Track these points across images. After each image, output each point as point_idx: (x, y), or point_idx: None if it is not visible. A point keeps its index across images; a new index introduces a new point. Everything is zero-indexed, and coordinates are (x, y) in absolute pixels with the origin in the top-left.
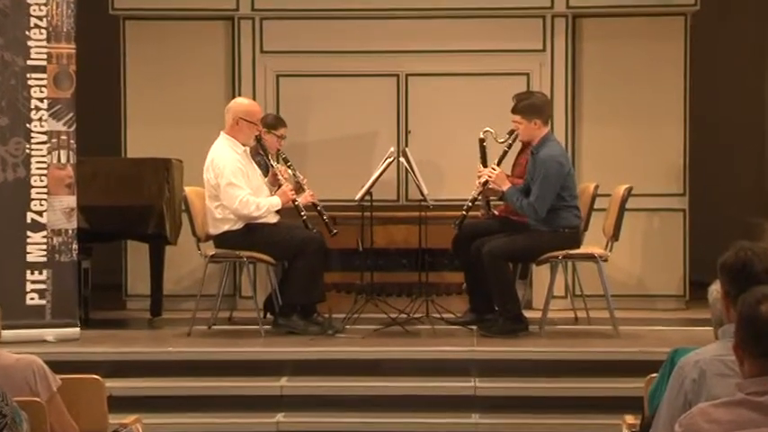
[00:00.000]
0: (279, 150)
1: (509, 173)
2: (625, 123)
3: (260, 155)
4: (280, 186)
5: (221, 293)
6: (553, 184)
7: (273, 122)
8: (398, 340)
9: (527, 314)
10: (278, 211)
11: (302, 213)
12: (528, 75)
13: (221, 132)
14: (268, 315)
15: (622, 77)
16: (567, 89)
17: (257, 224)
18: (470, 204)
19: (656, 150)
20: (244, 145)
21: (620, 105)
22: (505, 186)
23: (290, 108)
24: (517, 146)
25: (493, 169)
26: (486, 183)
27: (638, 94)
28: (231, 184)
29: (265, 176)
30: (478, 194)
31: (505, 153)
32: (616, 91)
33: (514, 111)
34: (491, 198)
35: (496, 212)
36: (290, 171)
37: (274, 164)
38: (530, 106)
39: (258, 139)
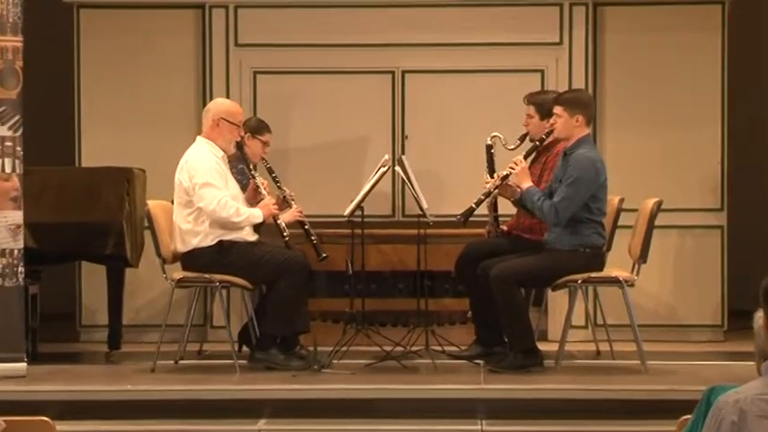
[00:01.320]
0: (263, 159)
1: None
2: (653, 128)
3: (238, 166)
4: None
5: (190, 323)
6: (585, 188)
7: (257, 126)
8: (394, 377)
9: (541, 347)
10: (257, 230)
11: (285, 233)
12: (542, 71)
13: (198, 137)
14: (244, 348)
15: (650, 75)
16: (587, 88)
17: (232, 242)
18: (482, 198)
19: (690, 159)
20: (224, 151)
21: (647, 107)
22: (526, 184)
23: (269, 110)
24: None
25: (516, 164)
26: (507, 176)
27: (668, 93)
28: (208, 183)
29: (245, 189)
30: (495, 188)
31: (536, 147)
32: (643, 90)
33: (557, 101)
34: (499, 214)
35: (505, 229)
36: (275, 184)
37: (255, 174)
38: (576, 99)
39: (240, 146)
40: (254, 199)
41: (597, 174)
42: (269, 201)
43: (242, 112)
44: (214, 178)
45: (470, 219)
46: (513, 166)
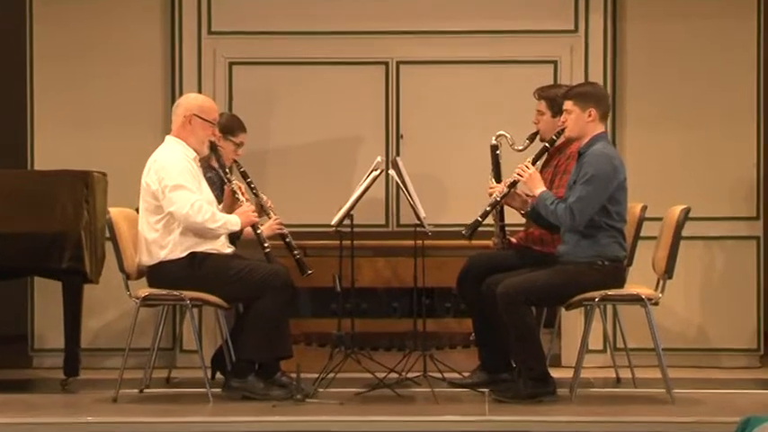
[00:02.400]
0: (235, 162)
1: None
2: (680, 126)
3: (212, 169)
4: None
5: (157, 346)
6: (602, 186)
7: (230, 125)
8: (388, 407)
9: (554, 373)
10: (232, 241)
11: (265, 245)
12: (555, 63)
13: (167, 136)
14: (217, 375)
15: (677, 67)
16: (606, 82)
17: (205, 254)
18: (488, 209)
19: (721, 161)
20: (196, 152)
21: (673, 103)
22: (538, 189)
23: (246, 106)
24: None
25: (524, 169)
26: (515, 183)
27: (696, 88)
28: (180, 186)
29: (218, 200)
30: (502, 198)
31: (546, 149)
32: (668, 84)
33: (567, 96)
34: (506, 224)
35: (513, 240)
36: (251, 190)
37: (232, 178)
38: (587, 92)
39: (213, 147)
40: (231, 207)
41: (615, 171)
42: (248, 207)
43: (216, 108)
44: (186, 180)
45: (479, 221)
46: (521, 171)
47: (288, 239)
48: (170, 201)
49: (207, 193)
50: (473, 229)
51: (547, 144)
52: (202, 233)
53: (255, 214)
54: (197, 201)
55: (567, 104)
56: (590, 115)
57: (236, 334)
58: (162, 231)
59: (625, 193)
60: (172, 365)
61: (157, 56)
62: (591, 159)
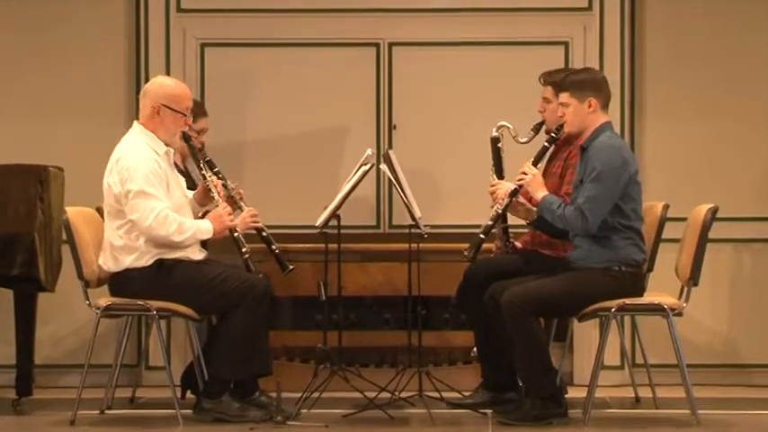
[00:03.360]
0: (199, 151)
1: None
2: (706, 116)
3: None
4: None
5: (119, 362)
6: (612, 182)
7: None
8: (379, 431)
9: (566, 392)
10: (204, 245)
11: (244, 249)
12: (566, 44)
13: (135, 123)
14: (188, 394)
15: (703, 51)
16: (623, 66)
17: (173, 261)
18: (490, 224)
19: (752, 155)
20: (167, 145)
21: (698, 91)
22: (541, 193)
23: (220, 92)
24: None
25: (525, 173)
26: (516, 191)
27: (724, 73)
28: (143, 192)
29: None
30: (503, 209)
31: (546, 150)
32: (692, 69)
33: (560, 86)
34: (510, 225)
35: (518, 244)
36: (222, 183)
37: (207, 174)
38: (584, 80)
39: (187, 139)
40: (203, 203)
41: (625, 164)
42: (223, 209)
43: (189, 95)
44: (151, 184)
45: (475, 231)
46: (523, 176)
47: (264, 234)
48: (132, 208)
49: (176, 194)
50: (476, 249)
51: (546, 143)
52: (168, 245)
53: (231, 217)
54: (162, 210)
55: (564, 97)
56: (590, 106)
57: (209, 349)
58: (125, 238)
59: (639, 188)
60: (136, 384)
61: (120, 36)
62: (596, 154)
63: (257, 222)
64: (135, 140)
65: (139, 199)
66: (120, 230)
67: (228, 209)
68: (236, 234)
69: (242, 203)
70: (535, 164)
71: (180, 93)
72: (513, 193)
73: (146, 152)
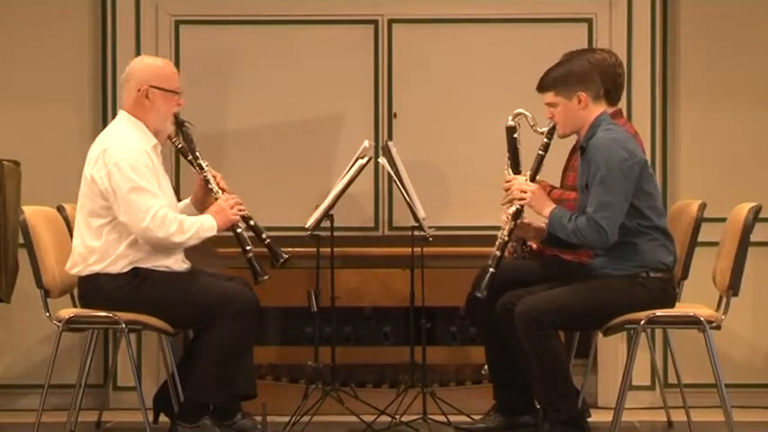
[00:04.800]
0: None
1: (556, 184)
2: (748, 106)
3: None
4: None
5: (84, 382)
6: (621, 181)
7: None
8: None
9: (590, 416)
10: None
11: (248, 248)
12: (590, 21)
13: (121, 112)
14: (161, 417)
15: (746, 29)
16: (654, 48)
17: (148, 271)
18: (498, 254)
19: None
20: (156, 134)
21: (740, 75)
22: (547, 209)
23: (198, 76)
24: (565, 143)
25: (524, 192)
26: (519, 212)
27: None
28: (139, 188)
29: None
30: (509, 235)
31: (541, 159)
32: (733, 51)
33: (542, 86)
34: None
35: (534, 247)
36: (194, 164)
37: (204, 164)
38: (565, 75)
39: (179, 124)
40: (204, 201)
41: (631, 156)
42: (224, 201)
43: (176, 72)
44: (145, 179)
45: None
46: (522, 195)
47: (252, 222)
48: (126, 208)
49: (166, 188)
50: (490, 284)
51: (540, 151)
52: (166, 249)
53: (235, 210)
54: (160, 209)
55: (548, 97)
56: (579, 101)
57: (185, 367)
58: (106, 239)
59: (653, 180)
60: (103, 406)
61: (84, 12)
62: (596, 153)
63: (243, 210)
64: (123, 130)
65: (134, 196)
66: (103, 230)
67: (233, 200)
68: (238, 230)
69: (219, 186)
70: (532, 179)
71: (168, 71)
72: (517, 215)
73: (136, 144)
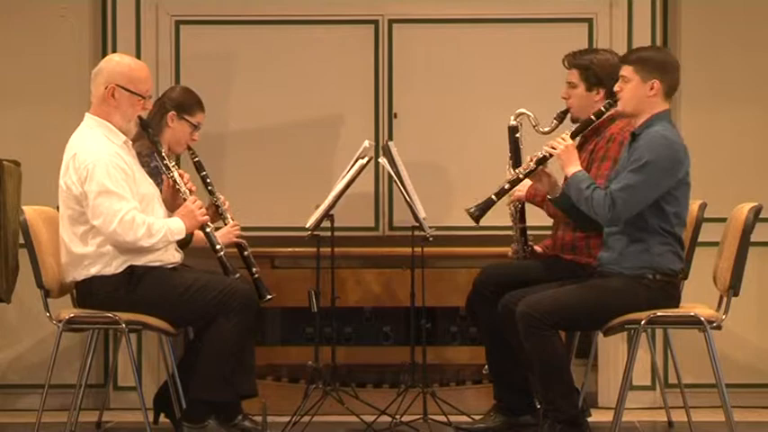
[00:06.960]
0: (189, 150)
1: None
2: (748, 105)
3: (151, 164)
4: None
5: (84, 382)
6: (658, 177)
7: (185, 101)
8: None
9: (590, 416)
10: (181, 246)
11: (218, 247)
12: (590, 21)
13: (86, 114)
14: (162, 418)
15: (747, 30)
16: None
17: (145, 268)
18: (506, 187)
19: None
20: (123, 132)
21: (741, 75)
22: (572, 168)
23: (198, 77)
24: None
25: (559, 142)
26: (544, 159)
27: None
28: (107, 191)
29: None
30: (526, 175)
31: (589, 123)
32: (735, 52)
33: (625, 59)
34: (528, 225)
35: (537, 248)
36: (205, 187)
37: (171, 165)
38: (652, 58)
39: (145, 126)
40: (174, 203)
41: (677, 161)
42: (192, 203)
43: (149, 77)
44: (115, 181)
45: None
46: (556, 144)
47: (246, 253)
48: (94, 211)
49: (144, 186)
50: (483, 210)
51: (592, 116)
52: (136, 252)
53: (203, 211)
54: (128, 212)
55: (626, 70)
56: (652, 88)
57: (186, 367)
58: (92, 244)
59: (687, 191)
60: (103, 406)
61: (84, 12)
62: (647, 143)
63: (240, 240)
64: (89, 133)
65: (101, 199)
66: (88, 236)
67: (199, 203)
68: (207, 230)
69: (227, 215)
70: (573, 136)
71: (139, 74)
72: (542, 161)
73: (104, 145)
